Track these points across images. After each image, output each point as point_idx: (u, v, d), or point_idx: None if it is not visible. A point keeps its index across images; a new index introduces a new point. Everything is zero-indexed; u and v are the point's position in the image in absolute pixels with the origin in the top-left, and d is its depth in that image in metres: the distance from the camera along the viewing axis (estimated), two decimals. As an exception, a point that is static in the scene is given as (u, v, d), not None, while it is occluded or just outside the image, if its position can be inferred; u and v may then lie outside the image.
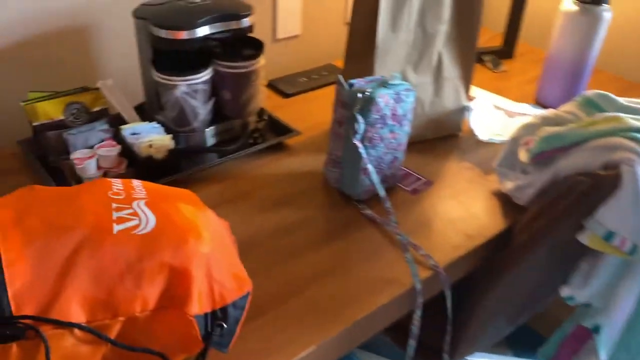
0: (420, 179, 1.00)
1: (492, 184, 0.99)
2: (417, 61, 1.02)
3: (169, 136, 0.93)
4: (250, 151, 1.02)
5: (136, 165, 0.92)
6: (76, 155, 0.89)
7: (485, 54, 1.45)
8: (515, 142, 0.93)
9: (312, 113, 1.20)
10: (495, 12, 1.64)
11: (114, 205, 0.61)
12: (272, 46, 1.38)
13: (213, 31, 0.93)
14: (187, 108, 0.95)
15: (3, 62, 0.99)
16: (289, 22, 1.37)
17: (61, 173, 0.91)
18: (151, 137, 0.92)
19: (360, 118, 0.84)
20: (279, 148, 1.06)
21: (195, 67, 0.95)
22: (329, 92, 1.28)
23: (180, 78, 0.92)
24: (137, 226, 0.60)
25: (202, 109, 0.97)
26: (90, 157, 0.89)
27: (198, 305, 0.59)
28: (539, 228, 0.84)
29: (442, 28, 1.01)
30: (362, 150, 0.85)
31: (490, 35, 1.61)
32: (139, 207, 0.62)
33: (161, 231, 0.60)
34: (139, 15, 0.94)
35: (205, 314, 0.61)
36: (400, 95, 0.86)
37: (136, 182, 0.69)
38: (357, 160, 0.87)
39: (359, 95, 0.84)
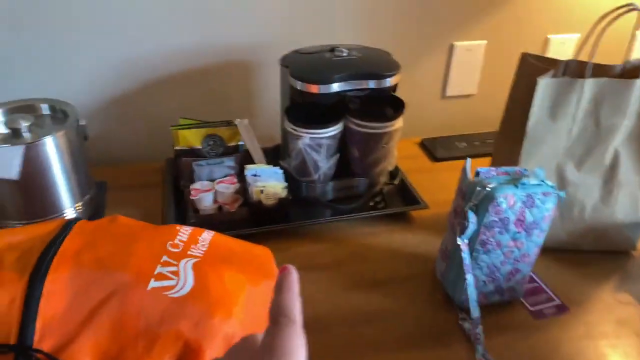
0: (554, 299, 0.80)
1: (653, 335, 0.75)
2: (582, 157, 0.82)
3: (283, 185, 0.91)
4: (365, 215, 0.95)
5: (248, 206, 0.93)
6: (195, 186, 0.93)
7: None
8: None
9: (455, 185, 1.06)
10: None
11: (164, 258, 0.61)
12: (439, 102, 1.28)
13: (349, 88, 0.89)
14: (308, 160, 0.92)
15: (170, 85, 1.10)
16: (464, 80, 1.25)
17: (184, 198, 0.97)
18: (267, 182, 0.92)
19: (472, 217, 0.71)
20: (399, 218, 0.97)
21: (326, 121, 0.92)
22: (486, 164, 1.13)
23: (305, 130, 0.90)
24: (172, 287, 0.58)
25: (323, 162, 0.93)
26: (207, 191, 0.92)
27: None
28: None
29: (624, 122, 0.79)
30: (465, 254, 0.71)
31: None
32: (184, 266, 0.61)
33: (193, 298, 0.58)
34: (283, 62, 0.94)
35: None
36: (534, 199, 0.70)
37: (206, 235, 0.68)
38: (462, 262, 0.73)
39: (478, 188, 0.71)
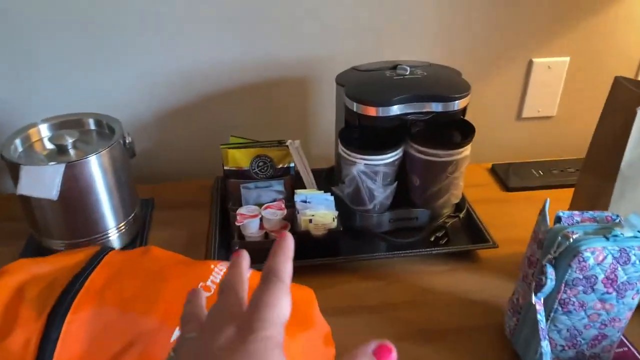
0: (647, 370, 0.68)
1: None
2: (689, 201, 0.69)
3: (333, 214, 0.84)
4: (425, 252, 0.85)
5: (295, 234, 0.85)
6: (241, 211, 0.87)
7: None
8: None
9: (529, 220, 0.94)
10: None
11: (193, 303, 0.55)
12: (514, 124, 1.16)
13: (411, 111, 0.80)
14: (362, 188, 0.84)
15: (221, 101, 1.05)
16: (543, 100, 1.13)
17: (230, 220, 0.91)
18: (316, 210, 0.84)
19: (550, 272, 0.60)
20: (463, 257, 0.86)
21: (384, 146, 0.83)
22: (565, 197, 1.00)
23: (360, 156, 0.82)
24: (196, 339, 0.52)
25: (379, 191, 0.85)
26: (253, 216, 0.86)
27: None
28: None
29: None
30: (541, 316, 0.60)
31: None
32: (213, 314, 0.54)
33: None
34: (339, 80, 0.87)
35: None
36: (629, 255, 0.58)
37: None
38: (536, 323, 0.62)
39: (559, 238, 0.60)
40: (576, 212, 0.64)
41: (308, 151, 1.12)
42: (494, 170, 1.08)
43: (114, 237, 0.88)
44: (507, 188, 1.03)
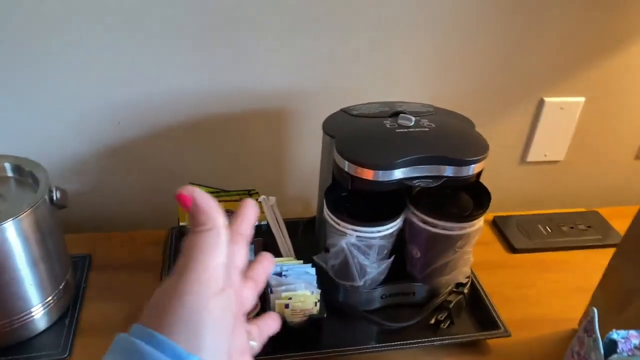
0: None
1: None
2: None
3: (316, 297, 0.67)
4: (424, 344, 0.70)
5: (267, 318, 0.69)
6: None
7: None
8: None
9: (542, 294, 0.81)
10: None
11: None
12: (517, 169, 1.02)
13: (417, 175, 0.64)
14: (352, 263, 0.68)
15: (178, 139, 0.87)
16: (552, 143, 0.99)
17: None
18: (294, 289, 0.68)
19: None
20: (471, 347, 0.72)
21: (381, 213, 0.67)
22: (582, 263, 0.87)
23: (352, 227, 0.66)
24: None
25: (372, 267, 0.69)
26: (214, 294, 0.69)
27: None
28: None
29: None
30: None
31: None
32: None
33: None
34: (327, 128, 0.70)
35: None
36: None
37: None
38: None
39: (620, 377, 0.46)
40: (634, 333, 0.50)
41: (283, 193, 0.95)
42: (496, 224, 0.94)
43: (39, 316, 0.69)
44: (512, 249, 0.89)
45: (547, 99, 0.94)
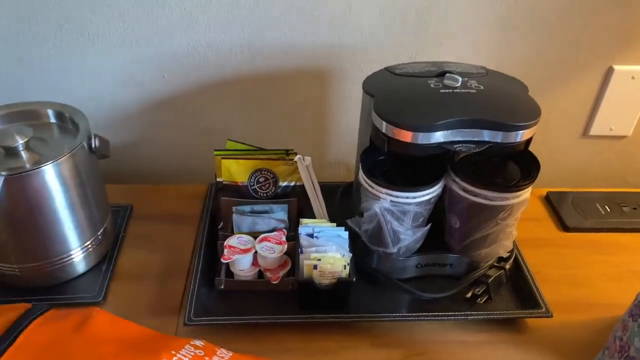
0: None
1: None
2: None
3: (346, 260, 0.66)
4: (459, 317, 0.67)
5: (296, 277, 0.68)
6: (231, 242, 0.70)
7: None
8: None
9: (594, 277, 0.75)
10: None
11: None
12: (577, 143, 0.94)
13: (459, 139, 0.60)
14: (385, 228, 0.66)
15: (219, 92, 0.86)
16: (619, 116, 0.91)
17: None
18: (325, 251, 0.66)
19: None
20: (508, 325, 0.68)
21: (418, 178, 0.64)
22: None
23: (386, 190, 0.63)
24: None
25: (406, 234, 0.66)
26: (244, 251, 0.69)
27: None
28: None
29: None
30: None
31: None
32: None
33: None
34: (368, 87, 0.67)
35: None
36: None
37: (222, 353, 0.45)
38: None
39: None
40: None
41: (324, 156, 0.93)
42: (549, 200, 0.88)
43: (78, 259, 0.71)
44: (564, 227, 0.83)
45: (617, 67, 0.85)
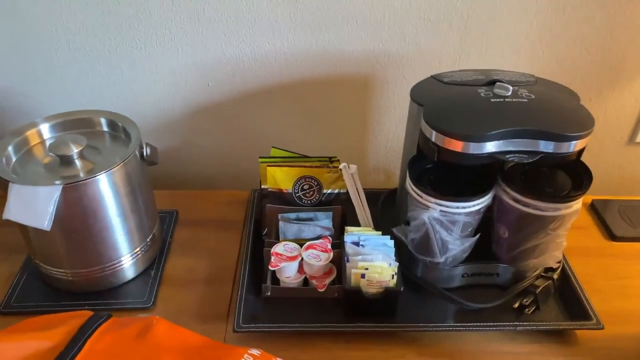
0: None
1: None
2: None
3: (393, 268, 0.65)
4: (508, 328, 0.66)
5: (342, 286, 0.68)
6: (277, 249, 0.70)
7: None
8: None
9: (643, 288, 0.74)
10: None
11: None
12: (623, 150, 0.93)
13: (511, 149, 0.59)
14: (433, 238, 0.65)
15: (264, 100, 0.87)
16: (667, 121, 0.89)
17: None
18: (371, 260, 0.66)
19: None
20: (557, 336, 0.67)
21: (468, 188, 0.64)
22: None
23: (436, 200, 0.63)
24: None
25: (455, 244, 0.66)
26: (291, 259, 0.69)
27: None
28: None
29: None
30: None
31: None
32: None
33: None
34: (416, 95, 0.67)
35: None
36: None
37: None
38: None
39: None
40: None
41: (364, 162, 0.93)
42: (595, 209, 0.87)
43: (127, 265, 0.73)
44: (612, 236, 0.82)
45: (666, 73, 0.84)
